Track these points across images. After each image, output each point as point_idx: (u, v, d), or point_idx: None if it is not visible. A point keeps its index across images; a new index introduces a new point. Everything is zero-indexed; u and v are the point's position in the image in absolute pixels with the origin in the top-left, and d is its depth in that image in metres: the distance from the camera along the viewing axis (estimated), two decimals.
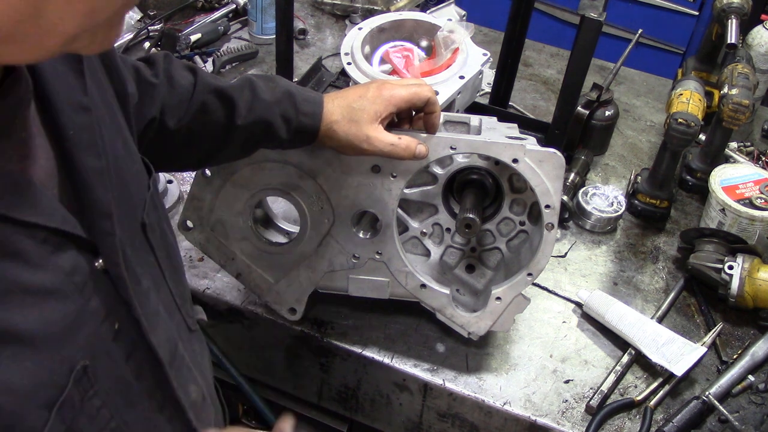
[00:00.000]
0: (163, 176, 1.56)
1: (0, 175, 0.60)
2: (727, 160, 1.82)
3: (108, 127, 0.76)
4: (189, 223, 1.27)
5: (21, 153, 0.64)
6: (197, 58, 1.99)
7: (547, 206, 1.14)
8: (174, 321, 0.86)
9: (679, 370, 1.28)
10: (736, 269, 1.42)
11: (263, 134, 1.05)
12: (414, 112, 1.14)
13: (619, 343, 1.37)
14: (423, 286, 1.24)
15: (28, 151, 0.64)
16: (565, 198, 1.59)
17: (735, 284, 1.42)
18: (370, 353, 1.32)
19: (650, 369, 1.33)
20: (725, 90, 1.61)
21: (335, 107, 1.06)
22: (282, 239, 1.31)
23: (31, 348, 0.60)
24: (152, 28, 2.02)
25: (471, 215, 1.16)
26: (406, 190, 1.27)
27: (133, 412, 0.75)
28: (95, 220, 0.69)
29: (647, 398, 1.28)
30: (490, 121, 1.28)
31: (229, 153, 1.09)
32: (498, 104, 1.86)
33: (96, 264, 0.69)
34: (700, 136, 1.81)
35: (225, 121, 1.03)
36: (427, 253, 1.35)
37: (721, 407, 1.25)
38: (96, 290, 0.68)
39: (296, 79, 1.86)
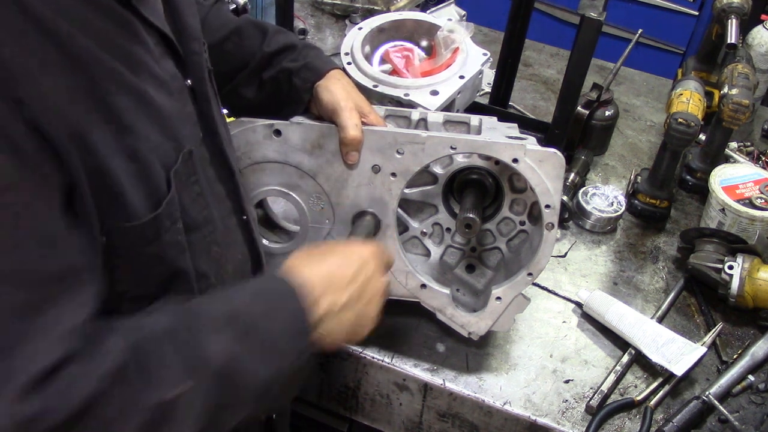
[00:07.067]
0: None
1: None
2: (727, 160, 1.82)
3: None
4: None
5: None
6: None
7: (547, 206, 1.14)
8: (236, 154, 1.01)
9: (679, 370, 1.28)
10: (736, 269, 1.42)
11: (280, 63, 1.17)
12: None
13: (619, 343, 1.37)
14: (423, 286, 1.24)
15: None
16: (565, 198, 1.59)
17: (735, 284, 1.42)
18: (370, 353, 1.32)
19: (650, 369, 1.33)
20: (725, 90, 1.61)
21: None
22: (282, 239, 1.31)
23: (157, 117, 0.75)
24: None
25: (471, 215, 1.16)
26: (406, 190, 1.27)
27: (217, 209, 0.90)
28: (187, 43, 0.85)
29: (647, 398, 1.28)
30: (490, 121, 1.28)
31: (248, 88, 1.19)
32: (498, 104, 1.86)
33: (186, 82, 0.85)
34: (700, 136, 1.81)
35: (255, 48, 1.17)
36: (427, 253, 1.35)
37: (721, 407, 1.25)
38: (189, 100, 0.85)
39: None
